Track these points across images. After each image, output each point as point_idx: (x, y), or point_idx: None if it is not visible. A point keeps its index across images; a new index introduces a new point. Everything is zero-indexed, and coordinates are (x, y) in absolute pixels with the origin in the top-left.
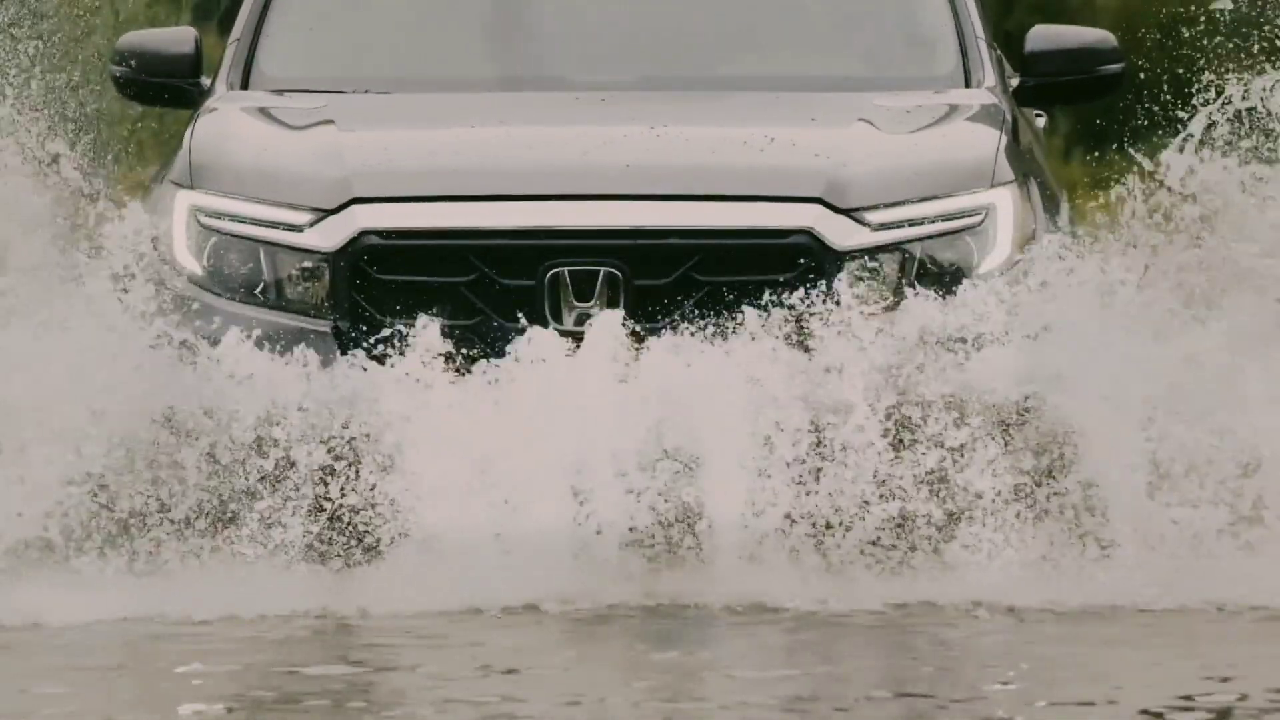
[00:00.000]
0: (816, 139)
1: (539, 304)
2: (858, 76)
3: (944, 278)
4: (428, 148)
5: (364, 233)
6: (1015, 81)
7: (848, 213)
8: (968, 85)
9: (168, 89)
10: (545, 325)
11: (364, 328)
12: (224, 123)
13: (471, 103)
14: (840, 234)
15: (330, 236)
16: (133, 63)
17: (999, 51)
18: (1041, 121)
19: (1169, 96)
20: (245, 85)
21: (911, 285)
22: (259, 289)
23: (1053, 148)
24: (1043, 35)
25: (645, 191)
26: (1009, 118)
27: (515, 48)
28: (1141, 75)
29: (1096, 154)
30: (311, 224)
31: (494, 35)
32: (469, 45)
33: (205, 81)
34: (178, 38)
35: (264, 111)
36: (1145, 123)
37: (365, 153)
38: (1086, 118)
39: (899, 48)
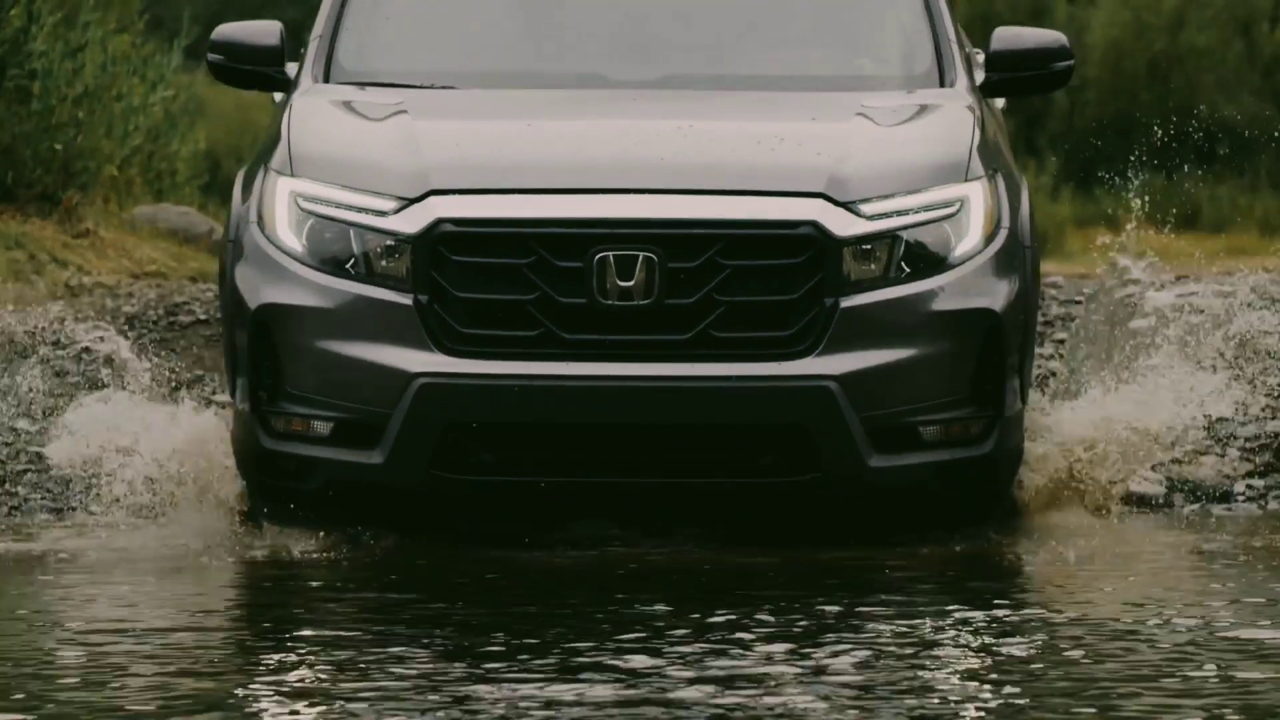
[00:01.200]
0: (818, 137)
1: (588, 282)
2: (848, 75)
3: (926, 260)
4: (492, 144)
5: (440, 220)
6: (981, 75)
7: (846, 205)
8: (942, 84)
9: (256, 75)
10: (593, 302)
11: (440, 300)
12: (316, 117)
13: (526, 99)
14: (840, 224)
15: (411, 222)
16: (226, 52)
17: (968, 50)
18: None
19: (1156, 133)
20: (326, 78)
21: (899, 267)
22: (350, 264)
23: (1041, 186)
24: (1005, 36)
25: (676, 186)
26: (979, 114)
27: (560, 49)
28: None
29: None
30: (396, 210)
31: (542, 38)
32: (521, 46)
33: (290, 68)
34: (265, 30)
35: (349, 106)
36: (1132, 160)
37: (440, 148)
38: (1075, 156)
39: (882, 51)
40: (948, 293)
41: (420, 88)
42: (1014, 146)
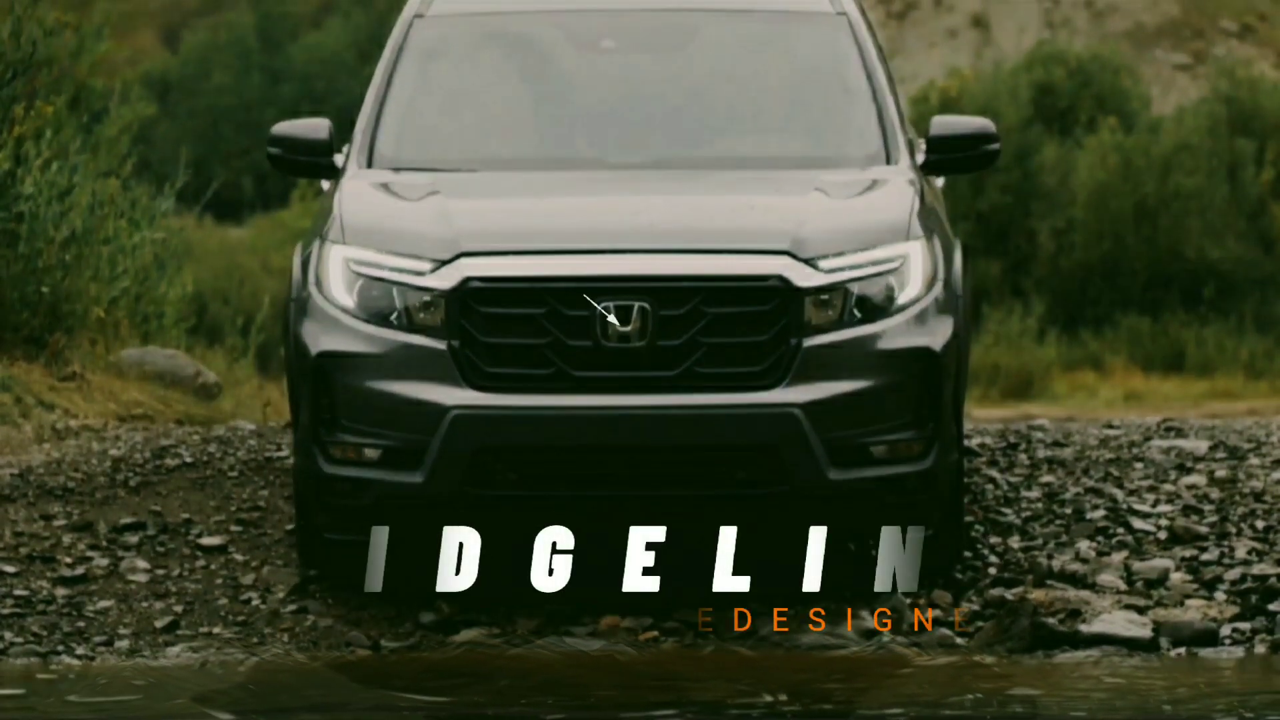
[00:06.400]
0: (783, 206)
1: (592, 328)
2: (809, 156)
3: (874, 306)
4: (512, 214)
5: (469, 278)
6: (922, 157)
7: (807, 261)
8: (888, 163)
9: (310, 165)
10: (597, 344)
11: (469, 345)
12: (363, 196)
13: (539, 180)
14: (802, 277)
15: (445, 280)
16: (283, 146)
17: (911, 135)
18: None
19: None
20: (370, 164)
21: (852, 313)
22: (393, 316)
23: (1028, 329)
24: (942, 123)
25: (665, 247)
26: (919, 187)
27: (567, 138)
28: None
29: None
30: (431, 271)
31: (550, 129)
32: (533, 136)
33: (338, 158)
34: (316, 126)
35: (389, 187)
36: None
37: (468, 219)
38: (1061, 300)
39: (839, 136)
40: (893, 334)
41: (448, 171)
42: (999, 290)
